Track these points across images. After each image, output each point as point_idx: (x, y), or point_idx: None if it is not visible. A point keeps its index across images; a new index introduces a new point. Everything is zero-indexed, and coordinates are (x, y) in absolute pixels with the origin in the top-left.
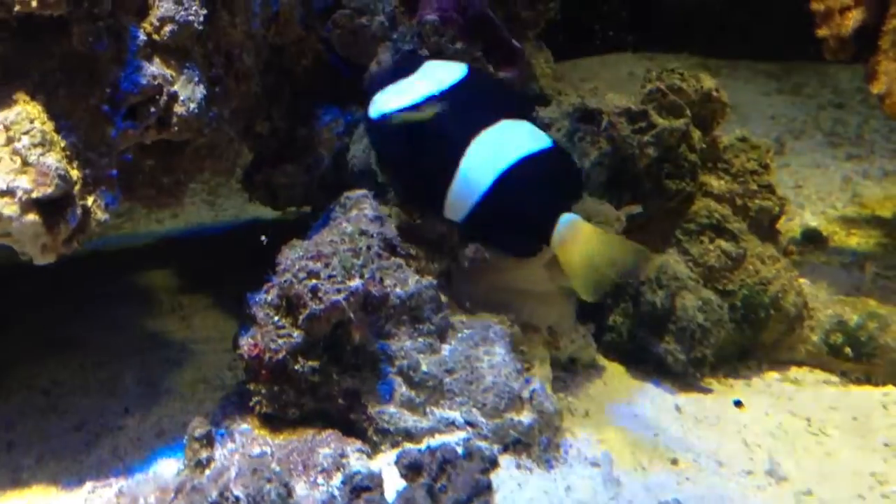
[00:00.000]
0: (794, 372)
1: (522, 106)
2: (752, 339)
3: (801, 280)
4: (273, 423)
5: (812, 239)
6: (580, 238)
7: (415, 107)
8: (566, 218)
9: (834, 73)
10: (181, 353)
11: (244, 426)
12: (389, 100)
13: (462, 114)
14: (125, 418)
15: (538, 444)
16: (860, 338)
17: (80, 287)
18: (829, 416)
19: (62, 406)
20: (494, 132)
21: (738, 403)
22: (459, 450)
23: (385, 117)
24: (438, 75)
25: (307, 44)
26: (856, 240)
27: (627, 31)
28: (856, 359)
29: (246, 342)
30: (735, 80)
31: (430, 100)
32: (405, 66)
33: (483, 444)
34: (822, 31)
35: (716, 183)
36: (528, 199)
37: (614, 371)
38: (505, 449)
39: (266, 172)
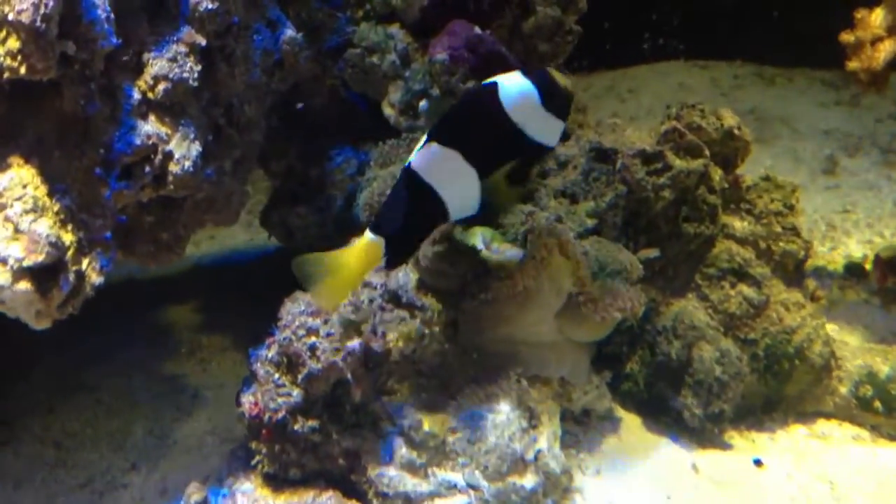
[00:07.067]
0: (822, 425)
1: None
2: (776, 391)
3: (831, 325)
4: (275, 482)
5: (854, 273)
6: None
7: None
8: None
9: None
10: (194, 399)
11: (247, 485)
12: None
13: None
14: (131, 474)
15: None
16: (891, 391)
17: (102, 325)
18: (854, 480)
19: (71, 461)
20: None
21: (758, 462)
22: None
23: None
24: None
25: (321, 81)
26: None
27: (678, 37)
28: (887, 413)
29: (247, 400)
30: (790, 90)
31: None
32: None
33: None
34: (853, 64)
35: (738, 224)
36: None
37: (630, 424)
38: None
39: (281, 212)
